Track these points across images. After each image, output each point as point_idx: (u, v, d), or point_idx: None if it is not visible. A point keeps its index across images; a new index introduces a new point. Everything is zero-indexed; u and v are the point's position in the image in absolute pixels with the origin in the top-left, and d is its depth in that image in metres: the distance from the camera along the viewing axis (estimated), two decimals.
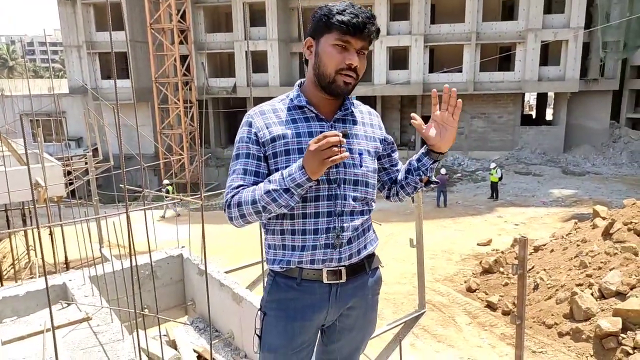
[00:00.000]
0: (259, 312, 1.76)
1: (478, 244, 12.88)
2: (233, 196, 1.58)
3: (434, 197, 18.19)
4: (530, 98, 41.98)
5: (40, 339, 3.54)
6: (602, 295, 7.84)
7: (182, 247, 5.40)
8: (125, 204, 2.32)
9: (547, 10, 24.55)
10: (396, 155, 1.87)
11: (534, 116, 33.88)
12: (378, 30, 1.59)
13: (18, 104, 22.90)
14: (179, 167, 24.77)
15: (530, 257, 10.13)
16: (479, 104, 26.10)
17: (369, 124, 1.73)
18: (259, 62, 26.66)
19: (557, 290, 8.64)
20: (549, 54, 25.89)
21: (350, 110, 1.68)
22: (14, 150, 10.44)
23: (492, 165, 19.37)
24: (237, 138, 1.66)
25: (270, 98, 1.77)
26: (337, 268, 1.66)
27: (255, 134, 1.60)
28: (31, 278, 9.68)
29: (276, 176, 1.52)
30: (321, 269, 1.64)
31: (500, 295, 9.42)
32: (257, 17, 26.54)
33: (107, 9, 2.28)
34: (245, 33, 25.87)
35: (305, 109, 1.63)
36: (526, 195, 19.04)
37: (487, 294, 9.67)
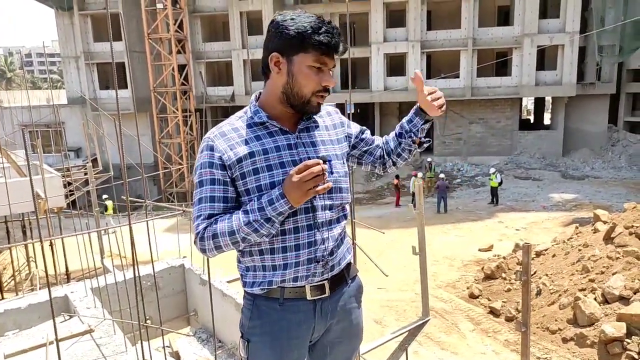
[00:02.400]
0: (241, 340, 1.68)
1: (479, 250, 12.85)
2: (206, 227, 1.50)
3: (434, 203, 18.18)
4: (528, 103, 42.12)
5: (43, 352, 3.51)
6: (606, 300, 7.81)
7: (184, 257, 5.37)
8: (128, 215, 2.30)
9: (543, 15, 24.71)
10: (367, 133, 1.86)
11: (532, 121, 33.97)
12: (345, 48, 1.57)
13: (17, 116, 22.91)
14: (178, 176, 24.75)
15: (532, 262, 10.09)
16: (476, 110, 26.18)
17: (331, 126, 1.69)
18: (256, 70, 26.72)
19: (560, 295, 8.60)
20: (545, 58, 26.01)
21: (313, 118, 1.63)
22: (14, 162, 10.42)
23: (492, 170, 19.38)
24: (197, 164, 1.57)
25: None
26: (320, 282, 1.62)
27: (220, 157, 1.52)
28: (32, 290, 9.62)
29: (254, 205, 1.46)
30: (304, 286, 1.60)
31: (503, 301, 9.38)
32: (254, 26, 26.65)
33: (108, 19, 2.28)
34: (243, 41, 25.98)
35: (268, 124, 1.56)
36: (526, 200, 19.03)
37: (489, 300, 9.63)
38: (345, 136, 1.74)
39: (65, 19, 26.31)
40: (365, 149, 1.84)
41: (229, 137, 1.54)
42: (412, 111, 1.78)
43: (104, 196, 17.40)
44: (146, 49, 24.06)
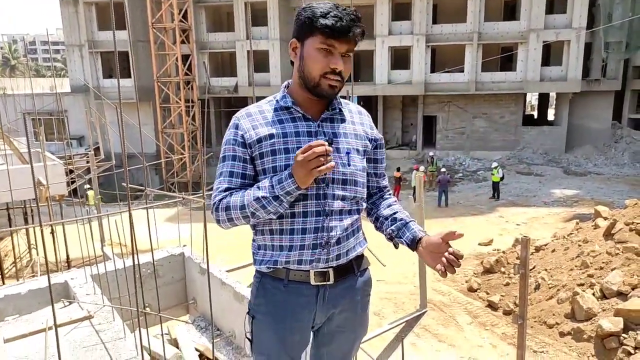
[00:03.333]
0: (247, 315, 1.75)
1: (479, 244, 12.87)
2: (221, 199, 1.59)
3: (435, 196, 18.18)
4: (532, 98, 41.93)
5: (43, 337, 3.55)
6: (604, 296, 7.84)
7: (184, 246, 5.40)
8: (128, 203, 2.32)
9: (549, 10, 24.51)
10: (382, 164, 1.84)
11: (535, 116, 33.85)
12: (363, 32, 1.58)
13: (20, 103, 22.94)
14: (180, 166, 24.79)
15: (531, 257, 10.11)
16: (480, 104, 26.09)
17: (358, 123, 1.72)
18: (260, 62, 26.67)
19: (558, 290, 8.63)
20: (550, 54, 25.87)
21: (337, 109, 1.67)
22: (16, 149, 10.47)
23: (494, 164, 19.35)
24: (224, 140, 1.67)
25: None
26: (324, 269, 1.64)
27: (242, 136, 1.61)
28: (33, 276, 9.70)
29: (265, 183, 1.53)
30: (308, 270, 1.63)
31: (501, 295, 9.42)
32: (258, 17, 26.55)
33: (111, 8, 2.29)
34: (247, 32, 25.87)
35: (292, 109, 1.62)
36: (528, 195, 19.02)
37: (488, 293, 9.67)
38: (371, 139, 1.75)
39: (70, 7, 26.25)
40: (370, 171, 1.81)
41: (254, 118, 1.63)
42: (410, 234, 1.69)
43: (86, 186, 16.71)
44: (150, 38, 24.01)
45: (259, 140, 1.59)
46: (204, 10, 26.85)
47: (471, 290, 9.99)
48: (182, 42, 24.65)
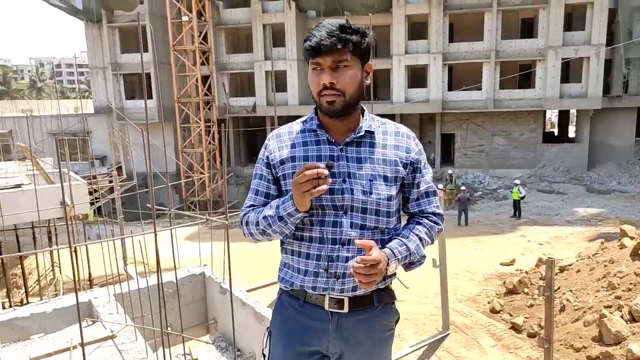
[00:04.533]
0: (267, 330, 1.76)
1: (501, 264, 12.63)
2: (245, 214, 1.66)
3: (455, 215, 17.98)
4: (552, 115, 41.46)
5: (67, 356, 3.58)
6: (633, 318, 7.58)
7: (204, 265, 5.43)
8: (154, 224, 2.36)
9: (567, 27, 24.40)
10: (420, 187, 1.68)
11: (556, 133, 33.42)
12: (347, 40, 1.49)
13: (46, 124, 23.61)
14: (200, 185, 25.06)
15: (556, 277, 9.87)
16: (499, 122, 25.90)
17: (391, 146, 1.63)
18: (278, 82, 27.04)
19: (584, 312, 8.38)
20: (570, 71, 25.64)
21: (362, 133, 1.60)
22: (42, 169, 10.72)
23: (517, 181, 19.10)
24: (258, 156, 1.73)
25: (289, 117, 1.81)
26: (340, 297, 1.60)
27: (267, 157, 1.65)
28: (56, 295, 9.84)
29: (275, 203, 1.57)
30: (324, 295, 1.61)
31: (525, 317, 9.18)
32: (276, 38, 27.00)
33: (139, 33, 2.36)
34: (266, 54, 26.31)
35: (318, 132, 1.61)
36: (550, 214, 18.66)
37: (511, 315, 9.44)
38: (406, 163, 1.63)
39: (94, 31, 27.11)
40: (407, 195, 1.70)
41: (282, 139, 1.65)
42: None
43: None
44: (171, 60, 24.58)
45: (282, 162, 1.61)
46: (223, 33, 27.43)
47: (494, 311, 9.77)
48: (202, 63, 25.19)
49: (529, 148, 25.69)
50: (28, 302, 9.52)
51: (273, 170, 1.63)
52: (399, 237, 1.62)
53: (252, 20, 26.41)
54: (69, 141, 23.54)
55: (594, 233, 15.52)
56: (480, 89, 25.02)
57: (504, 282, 10.64)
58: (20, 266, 11.77)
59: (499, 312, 9.72)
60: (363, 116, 1.65)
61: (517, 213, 18.29)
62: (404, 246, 1.59)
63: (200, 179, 24.42)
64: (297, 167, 1.58)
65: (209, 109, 26.13)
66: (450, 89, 25.81)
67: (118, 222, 6.57)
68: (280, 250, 1.73)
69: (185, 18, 24.18)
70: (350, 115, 1.60)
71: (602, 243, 10.97)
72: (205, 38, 25.51)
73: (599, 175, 24.22)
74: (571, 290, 9.28)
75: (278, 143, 1.64)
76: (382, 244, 1.62)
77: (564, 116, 31.71)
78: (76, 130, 24.37)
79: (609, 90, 24.72)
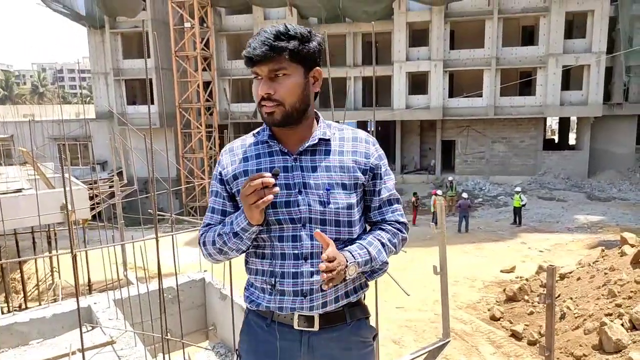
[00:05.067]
0: (235, 352, 1.68)
1: (501, 271, 12.61)
2: (202, 234, 1.57)
3: (455, 222, 17.96)
4: (553, 122, 41.54)
5: None
6: (634, 326, 7.55)
7: (205, 271, 5.43)
8: (155, 230, 2.37)
9: (568, 35, 24.49)
10: (382, 195, 1.59)
11: (556, 140, 33.46)
12: (281, 48, 1.41)
13: (47, 129, 23.67)
14: (200, 190, 25.07)
15: (556, 285, 9.85)
16: (499, 129, 25.94)
17: (348, 152, 1.54)
18: None
19: (584, 320, 8.35)
20: (570, 78, 25.72)
21: (316, 141, 1.51)
22: (43, 174, 10.73)
23: (517, 189, 19.11)
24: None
25: None
26: (309, 314, 1.51)
27: (220, 173, 1.57)
28: (54, 300, 9.81)
29: (229, 219, 1.50)
30: (293, 313, 1.51)
31: (525, 325, 9.15)
32: None
33: (143, 39, 2.38)
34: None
35: (270, 143, 1.53)
36: (550, 221, 18.64)
37: (511, 322, 9.41)
38: (365, 169, 1.54)
39: (97, 36, 27.24)
40: (368, 203, 1.60)
41: (235, 153, 1.58)
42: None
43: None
44: (173, 66, 24.67)
45: (235, 177, 1.53)
46: (225, 39, 27.55)
47: (494, 318, 9.74)
48: (204, 69, 25.27)
49: (530, 155, 25.71)
50: (27, 307, 9.50)
51: (227, 186, 1.55)
52: (359, 242, 1.52)
53: (254, 26, 26.52)
54: (70, 146, 23.61)
55: (595, 240, 15.50)
56: (481, 96, 25.08)
57: (504, 290, 10.62)
58: (19, 271, 11.76)
59: (499, 319, 9.69)
60: (318, 123, 1.57)
61: (517, 220, 18.27)
62: (364, 249, 1.49)
63: (201, 184, 24.43)
64: None
65: (210, 114, 26.19)
66: (451, 95, 25.87)
67: (118, 227, 6.57)
68: (245, 270, 1.65)
69: (187, 24, 24.31)
70: (301, 124, 1.50)
71: (603, 251, 10.95)
72: (207, 44, 25.61)
73: (599, 183, 24.22)
74: (571, 298, 9.26)
75: (231, 157, 1.57)
76: None
77: (564, 123, 31.77)
78: (77, 135, 24.41)
79: (610, 97, 24.77)
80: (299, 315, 1.51)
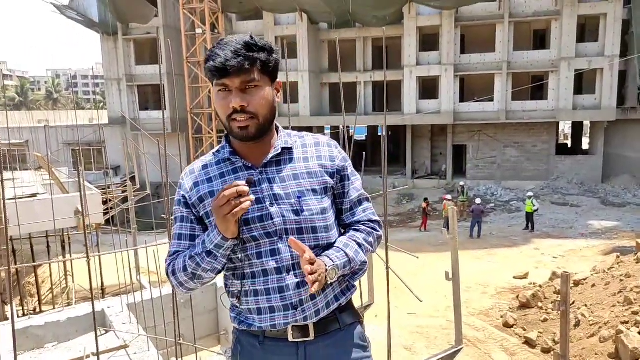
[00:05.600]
0: None
1: (514, 277, 12.47)
2: (169, 264, 1.49)
3: (466, 227, 17.83)
4: (565, 127, 41.14)
5: None
6: None
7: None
8: (168, 233, 2.38)
9: (580, 39, 24.28)
10: (352, 196, 1.59)
11: (569, 145, 33.12)
12: (254, 59, 1.39)
13: (62, 135, 23.99)
14: None
15: (570, 291, 9.73)
16: (511, 133, 25.75)
17: (313, 157, 1.53)
18: (289, 92, 27.21)
19: (600, 327, 8.22)
20: (583, 82, 25.48)
21: (279, 151, 1.49)
22: (57, 179, 10.88)
23: (530, 194, 18.94)
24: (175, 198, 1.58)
25: (300, 128, 1.72)
26: (303, 324, 1.48)
27: (184, 196, 1.51)
28: (68, 304, 9.91)
29: (199, 240, 1.44)
30: (286, 327, 1.48)
31: (539, 332, 9.04)
32: (288, 50, 27.24)
33: (159, 44, 2.40)
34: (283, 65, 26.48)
35: (232, 160, 1.50)
36: (564, 227, 18.42)
37: (525, 329, 9.30)
38: (332, 172, 1.53)
39: (110, 43, 27.60)
40: (340, 207, 1.59)
41: (196, 175, 1.52)
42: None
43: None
44: (185, 71, 24.90)
45: (201, 200, 1.48)
46: None
47: (507, 325, 9.63)
48: None
49: (542, 160, 25.47)
50: (41, 311, 9.60)
51: (194, 209, 1.50)
52: (336, 245, 1.50)
53: (264, 32, 26.69)
54: (83, 151, 23.91)
55: (609, 247, 15.28)
56: (492, 100, 24.93)
57: (518, 296, 10.50)
58: (34, 274, 11.90)
59: (512, 326, 9.58)
60: (278, 134, 1.54)
61: (529, 226, 18.09)
62: (341, 252, 1.47)
63: None
64: None
65: None
66: (462, 100, 25.75)
67: (131, 232, 6.62)
68: (226, 293, 1.60)
69: (199, 30, 24.52)
70: (267, 136, 1.49)
71: (618, 257, 10.80)
72: None
73: (613, 188, 23.90)
74: (586, 305, 9.13)
75: (193, 180, 1.51)
76: None
77: (577, 128, 31.45)
78: (91, 141, 24.72)
79: (624, 101, 24.47)
80: (293, 326, 1.48)
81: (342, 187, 1.57)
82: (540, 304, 9.86)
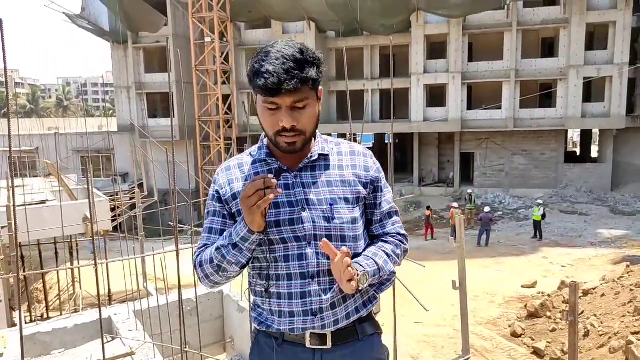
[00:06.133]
0: None
1: (522, 286, 12.36)
2: (197, 255, 1.52)
3: (474, 235, 17.72)
4: (574, 135, 40.89)
5: None
6: None
7: None
8: (176, 242, 2.40)
9: (589, 46, 24.18)
10: (383, 208, 1.60)
11: (578, 153, 32.89)
12: (307, 79, 1.36)
13: (71, 142, 24.23)
14: None
15: (579, 301, 9.61)
16: (519, 141, 25.63)
17: (348, 166, 1.53)
18: None
19: (610, 338, 8.11)
20: (592, 90, 25.34)
21: (316, 157, 1.50)
22: (66, 186, 10.98)
23: (539, 201, 18.82)
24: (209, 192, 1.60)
25: None
26: (322, 332, 1.50)
27: (218, 192, 1.53)
28: (75, 310, 9.96)
29: (227, 232, 1.45)
30: (304, 333, 1.50)
31: (547, 342, 8.94)
32: None
33: (169, 53, 2.44)
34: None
35: (268, 161, 1.51)
36: (573, 236, 18.25)
37: (533, 339, 9.19)
38: (366, 183, 1.55)
39: (120, 51, 27.91)
40: (370, 217, 1.60)
41: (232, 172, 1.54)
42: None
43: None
44: (193, 79, 25.11)
45: (234, 197, 1.49)
46: (244, 53, 27.96)
47: (515, 335, 9.54)
48: (223, 83, 25.63)
49: (551, 168, 25.30)
50: (49, 317, 9.65)
51: (227, 205, 1.51)
52: (364, 254, 1.52)
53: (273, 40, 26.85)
54: (92, 158, 24.13)
55: (619, 256, 15.10)
56: (500, 108, 24.85)
57: (526, 305, 10.40)
58: (42, 281, 11.98)
59: (520, 336, 9.48)
60: (315, 139, 1.54)
61: (538, 234, 17.94)
62: (371, 260, 1.48)
63: None
64: None
65: (229, 127, 26.49)
66: (469, 108, 25.69)
67: (139, 239, 6.66)
68: (250, 292, 1.63)
69: (208, 39, 24.74)
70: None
71: (628, 266, 10.68)
72: (226, 58, 26.01)
73: (623, 196, 23.66)
74: (595, 315, 9.02)
75: (228, 176, 1.53)
76: None
77: (586, 136, 31.24)
78: (100, 148, 24.93)
79: (633, 109, 24.29)
80: (310, 333, 1.49)
81: (374, 198, 1.58)
82: (548, 314, 9.76)
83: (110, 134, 19.28)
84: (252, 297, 1.61)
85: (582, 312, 9.32)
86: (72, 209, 8.60)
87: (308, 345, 1.50)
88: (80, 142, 24.93)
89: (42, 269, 10.47)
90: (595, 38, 25.06)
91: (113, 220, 10.32)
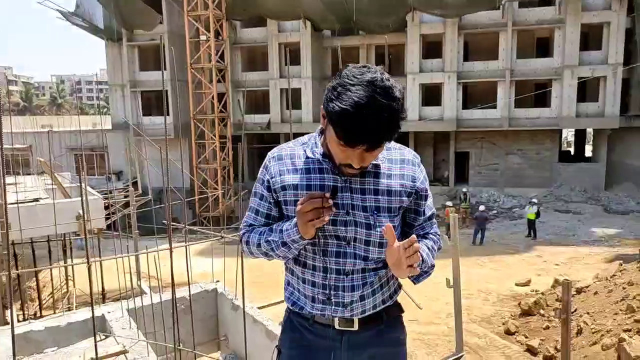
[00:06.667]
0: (275, 348, 1.80)
1: (516, 284, 12.42)
2: (244, 233, 1.67)
3: (468, 234, 17.78)
4: (568, 134, 41.10)
5: None
6: None
7: (217, 281, 5.45)
8: (169, 240, 2.39)
9: (584, 47, 24.30)
10: (425, 215, 1.68)
11: (572, 153, 33.07)
12: (396, 133, 1.36)
13: (65, 140, 24.09)
14: (213, 200, 25.22)
15: (572, 299, 9.67)
16: (514, 140, 25.74)
17: (397, 175, 1.58)
18: (292, 99, 27.30)
19: (602, 335, 8.17)
20: (586, 89, 25.48)
21: (370, 166, 1.53)
22: (60, 184, 10.92)
23: (534, 200, 18.91)
24: (258, 175, 1.69)
25: (303, 134, 1.72)
26: (349, 317, 1.64)
27: (268, 180, 1.60)
28: (69, 308, 9.91)
29: (277, 227, 1.55)
30: (334, 317, 1.64)
31: (541, 339, 8.99)
32: (291, 56, 27.36)
33: (165, 51, 2.42)
34: (281, 72, 26.66)
35: (321, 160, 1.55)
36: (566, 234, 18.35)
37: (527, 337, 9.24)
38: (410, 193, 1.60)
39: (114, 49, 27.76)
40: (408, 221, 1.68)
41: (284, 162, 1.60)
42: None
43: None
44: (188, 78, 25.02)
45: (283, 188, 1.57)
46: (239, 51, 27.90)
47: (508, 333, 9.58)
48: (219, 81, 25.55)
49: (545, 167, 25.43)
50: (42, 315, 9.61)
51: (274, 194, 1.59)
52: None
53: (268, 39, 26.82)
54: (86, 156, 24.00)
55: (612, 254, 15.21)
56: (495, 108, 24.93)
57: (519, 303, 10.46)
58: (35, 279, 11.92)
59: (514, 333, 9.53)
60: None
61: (532, 233, 18.03)
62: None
63: (214, 194, 24.57)
64: (299, 195, 1.52)
65: (224, 125, 26.41)
66: (464, 107, 25.76)
67: (133, 237, 6.64)
68: (284, 268, 1.75)
69: (203, 37, 24.64)
70: None
71: (621, 265, 10.75)
72: (222, 56, 25.93)
73: (616, 196, 23.82)
74: (588, 313, 9.08)
75: (280, 166, 1.59)
76: (386, 266, 1.58)
77: (580, 135, 31.41)
78: (94, 146, 24.81)
79: (627, 109, 24.45)
80: (339, 317, 1.63)
81: (417, 205, 1.66)
82: (542, 312, 9.81)
83: (105, 132, 19.19)
84: (287, 274, 1.73)
85: (575, 310, 9.38)
86: (66, 207, 8.55)
87: (336, 326, 1.64)
88: (74, 140, 24.81)
89: (35, 266, 10.42)
90: (590, 38, 25.18)
91: (107, 219, 10.28)
